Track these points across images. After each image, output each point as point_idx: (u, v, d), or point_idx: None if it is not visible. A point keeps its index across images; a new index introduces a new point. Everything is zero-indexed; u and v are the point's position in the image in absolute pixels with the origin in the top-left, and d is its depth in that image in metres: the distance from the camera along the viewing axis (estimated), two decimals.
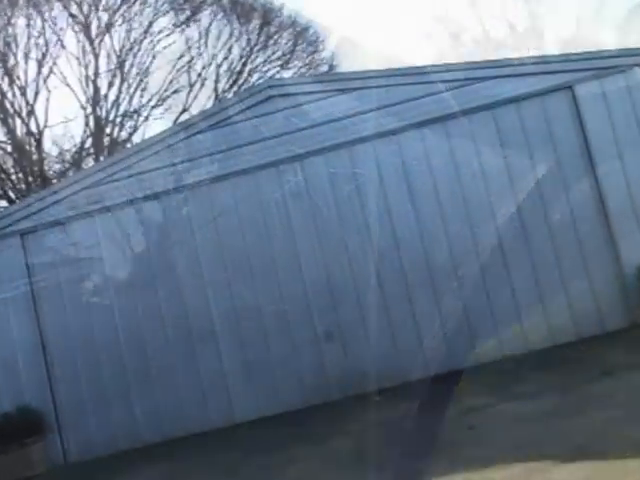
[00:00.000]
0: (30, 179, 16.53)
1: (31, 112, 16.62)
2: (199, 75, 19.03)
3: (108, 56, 17.77)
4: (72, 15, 16.96)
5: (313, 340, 7.64)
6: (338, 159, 7.79)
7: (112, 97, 17.98)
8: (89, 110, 17.67)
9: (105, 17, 17.46)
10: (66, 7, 16.79)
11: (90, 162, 17.61)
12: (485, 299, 7.53)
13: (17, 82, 16.58)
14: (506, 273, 7.54)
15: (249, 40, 19.14)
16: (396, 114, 7.67)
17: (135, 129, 18.79)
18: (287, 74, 19.67)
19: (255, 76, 19.80)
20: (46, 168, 17.05)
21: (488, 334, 7.43)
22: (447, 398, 6.28)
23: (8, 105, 16.49)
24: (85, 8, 17.21)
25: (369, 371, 7.36)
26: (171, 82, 18.83)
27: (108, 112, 18.04)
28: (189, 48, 18.63)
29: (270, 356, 7.67)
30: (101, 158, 17.20)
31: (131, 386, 7.76)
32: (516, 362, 7.08)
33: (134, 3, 17.59)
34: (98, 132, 17.66)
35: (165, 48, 18.25)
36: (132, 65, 18.10)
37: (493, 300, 7.53)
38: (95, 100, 17.66)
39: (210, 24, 18.45)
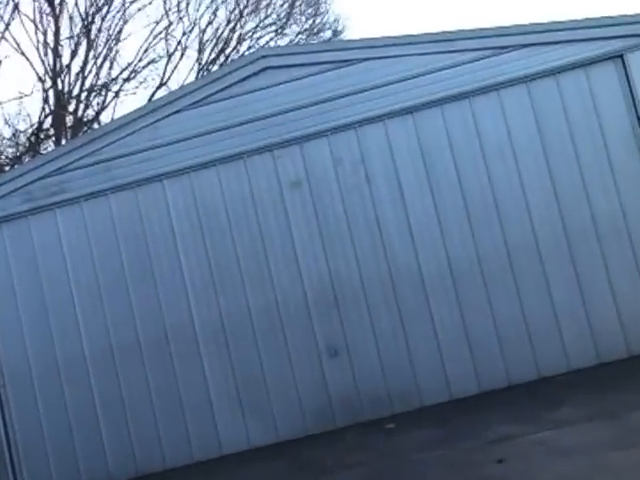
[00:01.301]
0: None
1: None
2: (179, 43, 18.98)
3: (71, 19, 17.69)
4: None
5: (314, 356, 7.67)
6: (344, 142, 7.82)
7: (76, 68, 17.90)
8: (48, 84, 17.53)
9: None
10: None
11: (50, 146, 17.45)
12: (518, 309, 7.56)
13: None
14: (544, 279, 7.57)
15: (238, 1, 19.00)
16: (412, 89, 7.72)
17: (103, 107, 18.75)
18: (283, 42, 19.48)
19: (245, 44, 19.68)
20: None
21: (522, 350, 7.46)
22: (472, 425, 6.35)
23: None
24: None
25: (380, 393, 7.52)
26: (146, 51, 18.78)
27: (71, 86, 17.95)
28: (167, 11, 18.49)
29: (263, 375, 7.70)
30: (63, 141, 17.05)
31: (99, 413, 7.77)
32: (555, 383, 7.11)
33: None
34: (59, 110, 17.46)
35: (139, 10, 18.14)
36: (100, 30, 18.06)
37: (528, 310, 7.55)
38: (56, 72, 17.48)
39: None
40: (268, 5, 19.32)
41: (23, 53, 17.10)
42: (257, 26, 19.59)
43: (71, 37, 17.54)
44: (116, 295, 7.84)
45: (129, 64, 18.62)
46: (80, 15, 17.71)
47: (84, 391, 7.76)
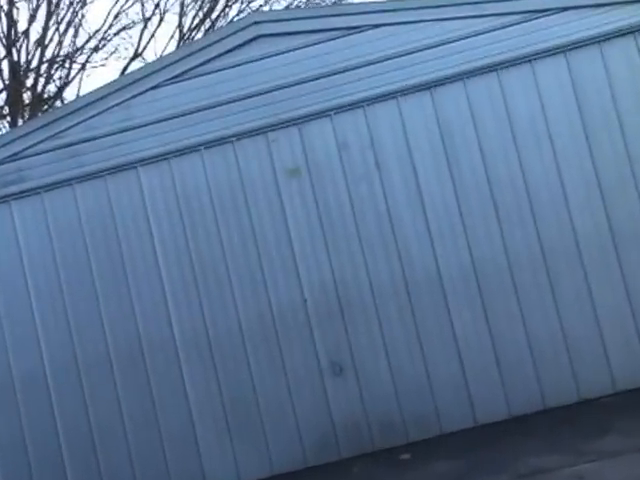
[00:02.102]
0: None
1: None
2: (156, 6, 18.87)
3: None
4: None
5: (315, 374, 7.66)
6: (350, 123, 7.79)
7: (35, 36, 17.81)
8: (1, 53, 17.52)
9: None
10: None
11: (4, 127, 17.41)
12: (555, 320, 7.54)
13: None
14: (585, 285, 7.54)
15: None
16: (431, 60, 7.72)
17: (67, 81, 18.64)
18: (279, 5, 19.42)
19: (235, 8, 19.55)
20: None
21: (559, 368, 7.47)
22: (500, 456, 6.30)
23: None
24: None
25: (393, 418, 7.51)
26: (117, 16, 18.63)
27: (29, 57, 17.78)
28: None
29: (255, 397, 7.68)
30: (19, 121, 16.93)
31: (61, 440, 7.72)
32: (598, 407, 7.11)
33: None
34: (15, 85, 17.38)
35: None
36: None
37: (567, 322, 7.53)
38: (10, 40, 17.35)
39: None
40: None
41: None
42: None
43: None
44: (82, 301, 7.80)
45: (97, 31, 18.61)
46: None
47: (44, 414, 7.72)
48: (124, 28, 18.70)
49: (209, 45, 7.90)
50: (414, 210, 7.70)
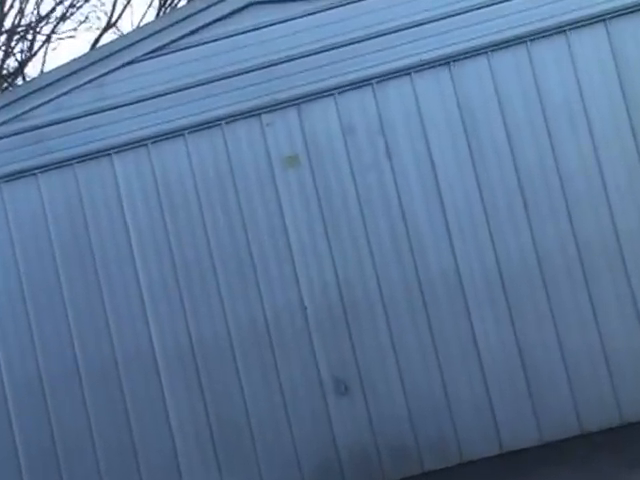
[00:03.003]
0: None
1: None
2: None
3: None
4: None
5: (316, 392, 7.66)
6: (357, 104, 7.79)
7: None
8: None
9: None
10: None
11: None
12: (593, 329, 7.53)
13: None
14: (628, 289, 7.54)
15: None
16: (450, 31, 7.69)
17: (30, 55, 18.46)
18: None
19: None
20: None
21: (598, 386, 7.45)
22: None
23: None
24: None
25: (406, 443, 7.50)
26: None
27: None
28: None
29: (247, 419, 7.66)
30: None
31: (22, 468, 7.72)
32: None
33: None
34: None
35: None
36: None
37: (606, 330, 7.52)
38: None
39: None
40: None
41: None
42: None
43: None
44: (47, 308, 7.81)
45: None
46: None
47: (3, 436, 7.72)
48: None
49: (194, 14, 7.85)
50: (430, 203, 7.69)
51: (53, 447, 7.72)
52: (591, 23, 7.63)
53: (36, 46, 18.63)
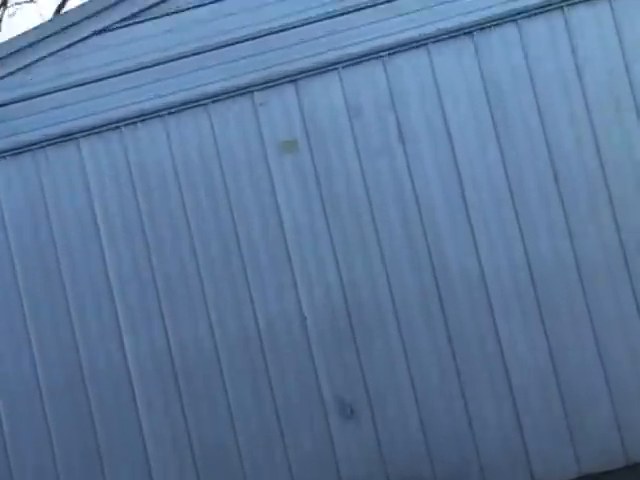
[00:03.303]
0: None
1: None
2: None
3: None
4: None
5: (317, 416, 7.45)
6: (365, 79, 7.58)
7: None
8: None
9: None
10: None
11: None
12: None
13: None
14: None
15: None
16: None
17: None
18: None
19: None
20: None
21: None
22: None
23: None
24: None
25: (422, 474, 7.34)
26: None
27: None
28: None
29: (236, 444, 7.46)
30: None
31: None
32: None
33: None
34: None
35: None
36: None
37: None
38: None
39: None
40: None
41: None
42: None
43: None
44: (4, 315, 7.68)
45: None
46: None
47: None
48: None
49: None
50: (450, 193, 7.47)
51: (9, 473, 7.62)
52: None
53: None
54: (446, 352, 7.41)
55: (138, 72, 7.66)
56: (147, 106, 7.66)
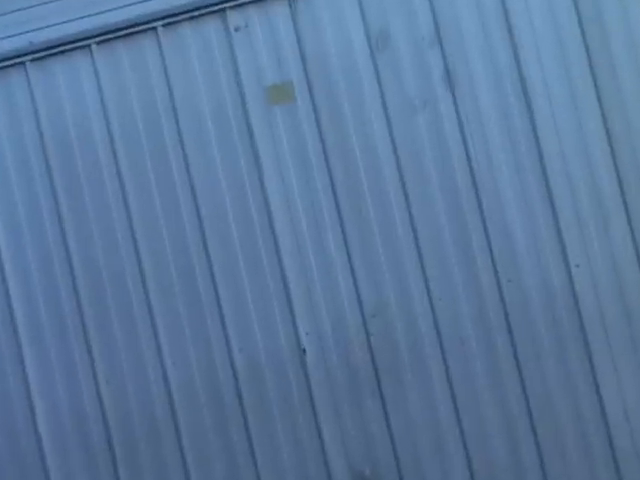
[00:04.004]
0: None
1: None
2: None
3: None
4: None
5: None
6: None
7: None
8: None
9: None
10: None
11: None
12: None
13: None
14: None
15: None
16: None
17: None
18: None
19: None
20: None
21: None
22: None
23: None
24: None
25: None
26: None
27: None
28: None
29: None
30: None
31: None
32: None
33: None
34: None
35: None
36: None
37: None
38: None
39: None
40: None
41: None
42: None
43: None
44: None
45: None
46: None
47: None
48: None
49: None
50: (522, 175, 5.87)
51: None
52: None
53: None
54: (513, 404, 5.67)
55: None
56: (70, 32, 6.07)
